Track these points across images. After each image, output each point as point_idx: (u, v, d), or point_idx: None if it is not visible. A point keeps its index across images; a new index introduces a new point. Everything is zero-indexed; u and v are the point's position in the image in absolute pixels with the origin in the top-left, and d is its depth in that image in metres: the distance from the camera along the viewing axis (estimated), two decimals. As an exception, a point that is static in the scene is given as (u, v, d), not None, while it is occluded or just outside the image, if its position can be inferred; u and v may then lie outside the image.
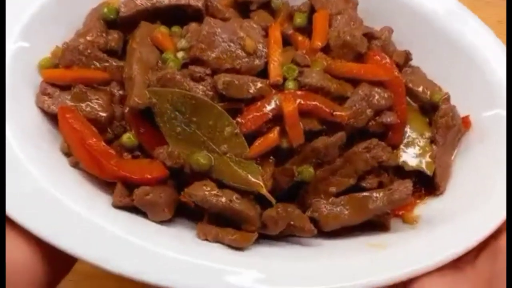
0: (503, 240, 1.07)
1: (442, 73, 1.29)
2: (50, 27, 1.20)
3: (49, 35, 1.20)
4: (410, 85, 1.25)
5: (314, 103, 1.12)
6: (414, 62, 1.31)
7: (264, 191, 1.09)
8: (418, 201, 1.21)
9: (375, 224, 1.17)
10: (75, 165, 1.13)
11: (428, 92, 1.24)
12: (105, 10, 1.20)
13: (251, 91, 1.12)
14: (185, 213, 1.14)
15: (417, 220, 1.18)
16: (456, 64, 1.28)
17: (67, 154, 1.14)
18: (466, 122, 1.24)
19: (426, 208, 1.20)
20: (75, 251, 0.98)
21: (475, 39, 1.27)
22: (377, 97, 1.16)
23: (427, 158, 1.19)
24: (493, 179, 1.17)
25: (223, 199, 1.07)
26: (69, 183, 1.09)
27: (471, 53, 1.26)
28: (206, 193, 1.07)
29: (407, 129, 1.22)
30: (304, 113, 1.11)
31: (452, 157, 1.24)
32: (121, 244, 1.01)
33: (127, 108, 1.13)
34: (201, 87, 1.12)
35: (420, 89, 1.25)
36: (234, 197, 1.08)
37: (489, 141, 1.22)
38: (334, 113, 1.12)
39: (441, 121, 1.20)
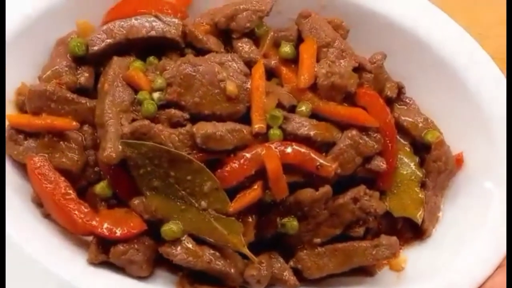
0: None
1: (437, 105, 1.21)
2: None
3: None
4: (402, 121, 1.18)
5: (299, 156, 1.05)
6: (408, 90, 1.23)
7: (245, 250, 1.05)
8: (404, 246, 1.17)
9: (360, 269, 1.14)
10: (47, 216, 1.08)
11: (421, 129, 1.17)
12: (73, 46, 1.10)
13: (231, 142, 1.05)
14: (167, 264, 1.10)
15: (403, 266, 1.15)
16: (452, 96, 1.20)
17: (39, 204, 1.09)
18: (458, 160, 1.19)
19: (414, 253, 1.16)
20: None
21: (474, 71, 1.18)
22: (366, 143, 1.09)
23: (417, 204, 1.14)
24: (482, 220, 1.13)
25: (202, 260, 1.03)
26: (41, 238, 1.05)
27: (468, 85, 1.18)
28: (184, 255, 1.03)
29: (398, 171, 1.15)
30: (288, 167, 1.05)
31: (441, 198, 1.19)
32: None
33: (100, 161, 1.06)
34: (178, 136, 1.05)
35: (412, 125, 1.18)
36: (213, 258, 1.04)
37: (480, 180, 1.16)
38: (320, 166, 1.06)
39: (433, 166, 1.14)
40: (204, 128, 1.04)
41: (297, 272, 1.11)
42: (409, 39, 1.21)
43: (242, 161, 1.04)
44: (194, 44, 1.15)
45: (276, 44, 1.19)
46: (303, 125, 1.08)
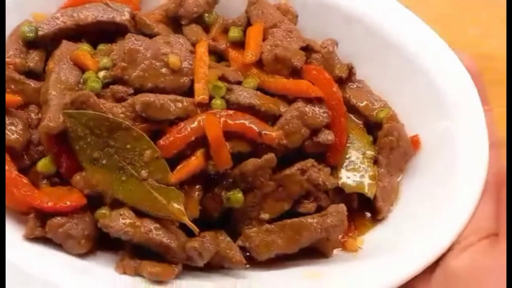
0: (453, 262, 0.99)
1: (390, 87, 1.19)
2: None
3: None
4: (354, 101, 1.16)
5: (241, 123, 1.03)
6: (360, 76, 1.22)
7: (185, 220, 1.01)
8: (360, 228, 1.11)
9: (314, 251, 1.08)
10: (-14, 194, 1.06)
11: (373, 109, 1.15)
12: (24, 28, 1.13)
13: (172, 111, 1.03)
14: (109, 244, 1.06)
15: (360, 246, 1.09)
16: (404, 76, 1.19)
17: (-22, 182, 1.07)
18: (415, 142, 1.15)
19: (370, 234, 1.11)
20: None
21: (421, 48, 1.17)
22: (312, 114, 1.07)
23: (368, 180, 1.10)
24: (439, 201, 1.08)
25: (141, 231, 0.99)
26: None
27: (419, 63, 1.17)
28: (122, 224, 0.99)
29: (349, 149, 1.12)
30: (231, 135, 1.03)
31: (398, 180, 1.15)
32: (25, 279, 0.94)
33: (41, 133, 1.05)
34: (121, 108, 1.04)
35: (364, 105, 1.16)
36: (153, 227, 1.00)
37: (438, 161, 1.12)
38: (263, 133, 1.03)
39: (384, 141, 1.11)
40: (144, 97, 1.04)
41: (246, 254, 1.06)
42: (359, 28, 1.22)
43: (181, 128, 1.03)
44: (144, 30, 1.16)
45: (225, 31, 1.20)
46: (246, 95, 1.07)
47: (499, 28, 1.30)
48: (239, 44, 1.17)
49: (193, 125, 1.03)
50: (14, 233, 1.02)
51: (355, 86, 1.20)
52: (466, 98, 1.13)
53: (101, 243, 1.05)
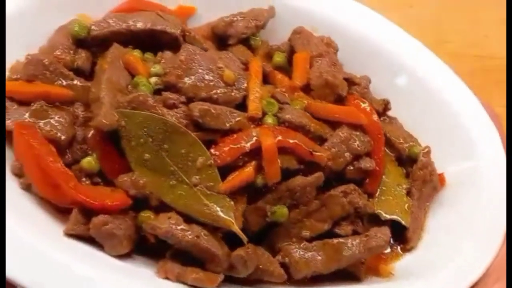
0: None
1: (417, 126, 1.26)
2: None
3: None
4: (388, 135, 1.21)
5: (294, 140, 1.06)
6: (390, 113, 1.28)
7: (235, 228, 1.01)
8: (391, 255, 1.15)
9: (347, 275, 1.10)
10: (27, 187, 1.02)
11: (406, 144, 1.21)
12: (76, 27, 1.12)
13: (228, 122, 1.05)
14: (146, 250, 1.03)
15: (392, 272, 1.11)
16: (431, 117, 1.26)
17: (18, 175, 1.03)
18: (441, 179, 1.21)
19: (400, 262, 1.14)
20: (10, 273, 0.87)
21: (450, 92, 1.25)
22: (356, 141, 1.12)
23: (403, 210, 1.14)
24: (464, 239, 1.13)
25: (190, 234, 0.98)
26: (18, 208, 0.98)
27: (446, 106, 1.24)
28: (172, 226, 0.98)
29: (384, 178, 1.17)
30: (282, 151, 1.05)
31: (425, 214, 1.19)
32: (64, 273, 0.91)
33: (91, 130, 1.03)
34: (174, 115, 1.05)
35: (398, 139, 1.21)
36: (202, 233, 0.99)
37: (462, 197, 1.18)
38: (314, 152, 1.06)
39: (419, 174, 1.16)
40: (201, 104, 1.05)
41: (284, 269, 1.06)
42: (388, 63, 1.29)
43: (236, 138, 1.04)
44: (192, 44, 1.18)
45: (268, 56, 1.24)
46: (297, 114, 1.10)
47: (499, 28, 1.35)
48: (282, 70, 1.21)
49: (249, 136, 1.04)
50: (53, 229, 0.98)
51: (388, 121, 1.25)
52: (489, 139, 1.20)
53: (138, 248, 1.03)
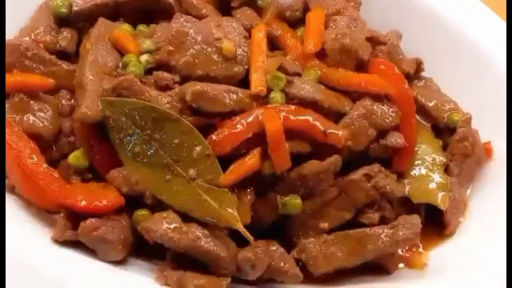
0: None
1: (458, 88, 1.08)
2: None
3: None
4: (422, 100, 1.05)
5: (304, 119, 0.91)
6: (426, 73, 1.11)
7: (239, 226, 0.89)
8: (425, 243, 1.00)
9: (375, 267, 0.97)
10: (11, 189, 0.93)
11: (444, 110, 1.04)
12: (55, 4, 1.00)
13: (226, 103, 0.92)
14: (144, 251, 0.94)
15: (426, 262, 0.97)
16: (475, 77, 1.08)
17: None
18: (487, 150, 1.05)
19: (437, 250, 0.99)
20: None
21: (500, 49, 1.07)
22: (381, 114, 0.96)
23: (440, 190, 0.98)
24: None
25: (187, 237, 0.87)
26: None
27: (495, 65, 1.06)
28: (167, 229, 0.87)
29: (417, 154, 1.01)
30: (291, 133, 0.91)
31: (468, 192, 1.04)
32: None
33: (76, 122, 0.93)
34: (167, 98, 0.92)
35: (434, 105, 1.05)
36: (201, 234, 0.87)
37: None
38: (328, 132, 0.92)
39: (458, 147, 1.01)
40: (195, 85, 0.91)
41: (300, 266, 0.95)
42: (423, 17, 1.11)
43: (237, 122, 0.91)
44: (190, 11, 1.05)
45: (280, 17, 1.09)
46: (309, 88, 0.95)
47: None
48: (296, 34, 1.06)
49: (250, 120, 0.91)
50: (41, 234, 0.89)
51: (422, 83, 1.08)
52: None
53: (135, 249, 0.94)
